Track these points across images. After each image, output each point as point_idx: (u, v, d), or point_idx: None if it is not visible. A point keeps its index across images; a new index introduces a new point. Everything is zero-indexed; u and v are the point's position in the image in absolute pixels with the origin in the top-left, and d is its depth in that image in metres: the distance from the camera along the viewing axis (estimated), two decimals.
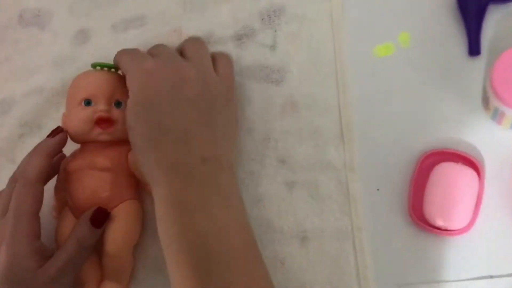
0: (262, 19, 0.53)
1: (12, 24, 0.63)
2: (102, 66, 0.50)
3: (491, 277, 0.40)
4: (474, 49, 0.45)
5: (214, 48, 0.53)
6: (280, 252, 0.46)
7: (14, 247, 0.42)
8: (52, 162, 0.47)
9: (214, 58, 0.48)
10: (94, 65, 0.51)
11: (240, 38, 0.53)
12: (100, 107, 0.47)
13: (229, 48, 0.53)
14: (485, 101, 0.42)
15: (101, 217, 0.45)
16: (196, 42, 0.48)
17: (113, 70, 0.50)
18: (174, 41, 0.55)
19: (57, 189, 0.51)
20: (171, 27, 0.56)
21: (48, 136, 0.48)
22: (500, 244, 0.41)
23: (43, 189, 0.45)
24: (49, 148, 0.47)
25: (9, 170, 0.54)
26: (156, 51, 0.47)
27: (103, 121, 0.47)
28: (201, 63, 0.46)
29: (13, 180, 0.46)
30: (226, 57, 0.49)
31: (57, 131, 0.48)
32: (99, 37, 0.59)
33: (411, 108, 0.46)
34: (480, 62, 0.45)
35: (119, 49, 0.55)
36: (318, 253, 0.45)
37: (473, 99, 0.44)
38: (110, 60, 0.53)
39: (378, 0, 0.50)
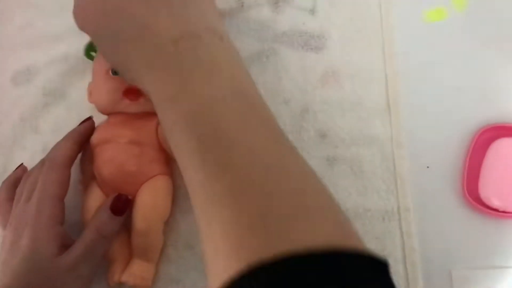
0: None
1: None
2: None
3: None
4: None
5: (249, 12, 0.50)
6: None
7: (37, 231, 0.41)
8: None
9: None
10: (87, 51, 0.51)
11: (276, 1, 0.49)
12: None
13: (265, 12, 0.49)
14: None
15: (121, 205, 0.43)
16: None
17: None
18: None
19: (83, 162, 0.48)
20: None
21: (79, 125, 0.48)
22: None
23: (69, 174, 0.44)
24: (78, 134, 0.46)
25: (33, 140, 0.54)
26: None
27: (132, 92, 0.44)
28: None
29: (42, 163, 0.45)
30: None
31: (85, 119, 0.48)
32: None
33: (465, 78, 0.42)
34: None
35: None
36: (362, 232, 0.41)
37: None
38: None
39: None
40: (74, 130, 0.47)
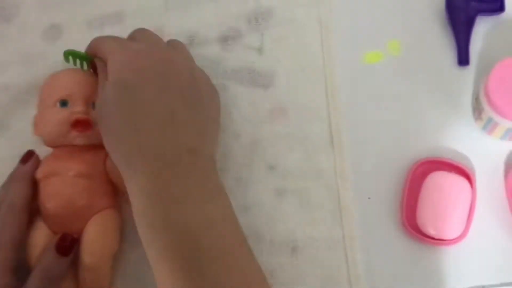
0: (249, 21, 0.51)
1: None
2: (75, 55, 0.48)
3: (483, 287, 0.40)
4: (463, 59, 0.45)
5: (198, 49, 0.51)
6: (270, 263, 0.44)
7: None
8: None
9: None
10: (66, 54, 0.48)
11: (225, 39, 0.51)
12: (77, 108, 0.44)
13: (214, 49, 0.51)
14: (477, 112, 0.42)
15: (67, 244, 0.41)
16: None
17: (84, 67, 0.47)
18: None
19: None
20: (152, 26, 0.52)
21: (21, 162, 0.46)
22: (492, 254, 0.41)
23: (28, 218, 0.43)
24: (29, 173, 0.44)
25: None
26: (140, 34, 0.44)
27: (81, 124, 0.44)
28: (187, 56, 0.45)
29: None
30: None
31: (29, 155, 0.46)
32: (73, 33, 0.55)
33: (401, 116, 0.46)
34: (469, 72, 0.46)
35: None
36: (309, 263, 0.44)
37: (463, 109, 0.45)
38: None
39: (368, 7, 0.49)
40: (23, 171, 0.45)
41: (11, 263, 0.40)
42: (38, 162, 0.46)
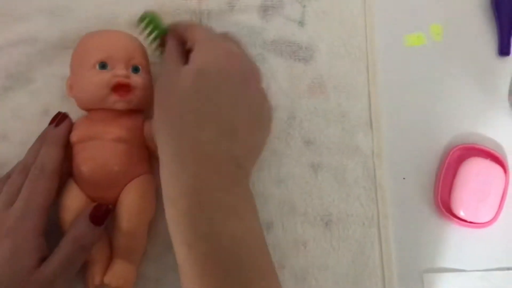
0: None
1: None
2: (154, 21, 0.45)
3: (508, 269, 0.43)
4: (504, 49, 0.47)
5: (238, 16, 0.50)
6: (303, 234, 0.45)
7: (18, 242, 0.39)
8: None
9: None
10: (144, 16, 0.46)
11: (266, 9, 0.51)
12: (118, 72, 0.43)
13: (254, 18, 0.50)
14: None
15: (101, 214, 0.41)
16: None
17: (151, 37, 0.45)
18: (193, 4, 0.51)
19: None
20: None
21: (51, 123, 0.45)
22: None
23: (58, 183, 0.42)
24: (62, 138, 0.44)
25: None
26: (234, 39, 0.44)
27: (123, 88, 0.43)
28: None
29: (23, 169, 0.42)
30: None
31: (60, 118, 0.45)
32: None
33: (440, 101, 0.47)
34: (509, 63, 0.47)
35: (125, 3, 0.52)
36: (342, 238, 0.45)
37: (501, 98, 0.47)
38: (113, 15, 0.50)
39: None
40: (56, 134, 0.44)
41: (42, 226, 0.40)
42: (71, 126, 0.45)
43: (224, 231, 0.35)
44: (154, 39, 0.46)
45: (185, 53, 0.41)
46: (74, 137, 0.44)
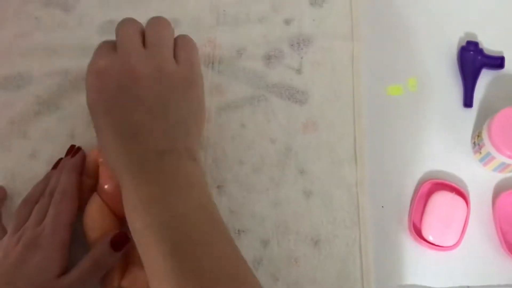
0: (292, 45, 0.60)
1: (33, 0, 0.63)
2: None
3: (468, 287, 0.50)
4: (468, 102, 0.56)
5: (246, 62, 0.59)
6: (295, 251, 0.52)
7: (49, 251, 0.45)
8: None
9: (176, 43, 0.47)
10: None
11: (269, 58, 0.59)
12: None
13: (259, 65, 0.59)
14: (478, 146, 0.52)
15: (122, 241, 0.47)
16: (158, 25, 0.48)
17: None
18: (208, 50, 0.59)
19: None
20: (205, 36, 0.60)
21: (67, 155, 0.53)
22: (479, 260, 0.50)
23: (78, 203, 0.49)
24: (79, 166, 0.51)
25: (20, 144, 0.56)
26: (119, 39, 0.46)
27: None
28: (159, 52, 0.45)
29: (49, 194, 0.49)
30: (189, 42, 0.48)
31: (76, 150, 0.53)
32: None
33: (414, 142, 0.55)
34: (472, 114, 0.56)
35: None
36: (329, 255, 0.52)
37: (465, 143, 0.55)
38: None
39: (394, 47, 0.59)
40: (73, 162, 0.51)
41: (67, 240, 0.46)
42: (84, 156, 0.52)
43: (158, 219, 0.39)
44: None
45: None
46: (101, 157, 0.51)
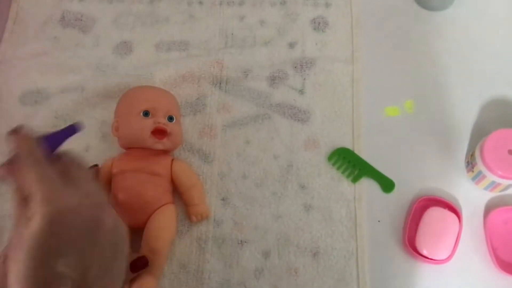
0: (295, 67, 0.63)
1: (53, 21, 0.68)
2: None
3: None
4: None
5: (251, 83, 0.62)
6: (295, 262, 0.54)
7: None
8: None
9: None
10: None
11: (273, 79, 0.63)
12: (159, 119, 0.54)
13: (263, 85, 0.62)
14: (471, 165, 0.55)
15: (141, 265, 0.48)
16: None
17: None
18: (215, 71, 0.63)
19: None
20: (214, 57, 0.64)
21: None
22: (469, 273, 0.53)
23: None
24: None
25: None
26: (76, 175, 0.39)
27: (160, 132, 0.54)
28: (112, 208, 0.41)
29: None
30: None
31: (92, 165, 0.51)
32: (142, 51, 0.65)
33: (409, 160, 0.58)
34: (466, 134, 0.59)
35: (160, 66, 0.63)
36: (327, 266, 0.54)
37: (458, 162, 0.58)
38: (150, 74, 0.61)
39: (392, 71, 0.62)
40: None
41: None
42: (99, 170, 0.51)
43: None
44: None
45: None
46: (114, 169, 0.54)
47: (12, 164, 0.37)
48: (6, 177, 0.37)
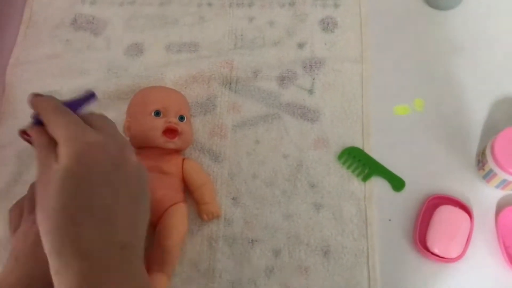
0: (304, 67, 0.64)
1: (65, 24, 0.69)
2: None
3: None
4: None
5: (261, 83, 0.63)
6: (305, 261, 0.54)
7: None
8: None
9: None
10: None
11: (283, 79, 0.63)
12: (170, 119, 0.55)
13: (273, 85, 0.63)
14: (482, 163, 0.55)
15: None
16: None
17: None
18: (225, 72, 0.64)
19: None
20: (224, 58, 0.64)
21: None
22: (481, 271, 0.52)
23: None
24: None
25: None
26: (98, 123, 0.40)
27: (172, 131, 0.54)
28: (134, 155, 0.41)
29: None
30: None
31: None
32: (152, 53, 0.66)
33: (420, 159, 0.58)
34: (476, 132, 0.59)
35: (171, 67, 0.64)
36: (337, 265, 0.54)
37: (470, 160, 0.57)
38: (161, 75, 0.62)
39: (401, 70, 0.63)
40: None
41: None
42: None
43: None
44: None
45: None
46: None
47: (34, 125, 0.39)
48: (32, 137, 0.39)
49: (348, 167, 0.58)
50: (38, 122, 0.38)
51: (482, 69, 0.62)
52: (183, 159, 0.56)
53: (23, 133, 0.41)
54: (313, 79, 0.63)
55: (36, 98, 0.39)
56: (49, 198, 0.36)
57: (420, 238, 0.54)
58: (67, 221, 0.35)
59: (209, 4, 0.69)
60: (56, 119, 0.38)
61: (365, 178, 0.57)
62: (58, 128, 0.38)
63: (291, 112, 0.62)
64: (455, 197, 0.55)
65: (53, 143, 0.38)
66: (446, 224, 0.53)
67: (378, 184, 0.57)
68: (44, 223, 0.36)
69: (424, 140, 0.59)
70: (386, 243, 0.55)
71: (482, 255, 0.53)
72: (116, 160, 0.38)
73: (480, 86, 0.61)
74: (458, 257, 0.52)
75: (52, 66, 0.66)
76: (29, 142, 0.40)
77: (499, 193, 0.56)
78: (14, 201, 0.56)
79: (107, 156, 0.38)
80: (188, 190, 0.56)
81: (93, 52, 0.67)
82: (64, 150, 0.36)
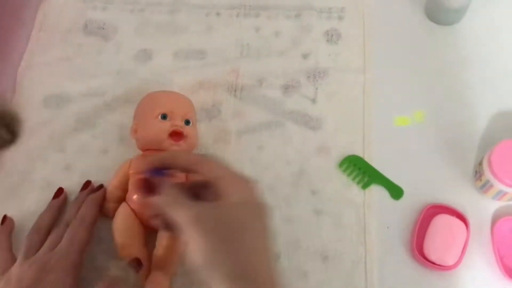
0: (308, 76, 0.65)
1: (76, 29, 0.70)
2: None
3: None
4: None
5: (265, 91, 0.65)
6: (304, 265, 0.56)
7: (61, 273, 0.49)
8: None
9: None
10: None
11: (287, 87, 0.65)
12: (176, 122, 0.56)
13: (277, 93, 0.65)
14: (479, 174, 0.56)
15: (136, 265, 0.51)
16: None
17: None
18: (231, 79, 0.65)
19: (113, 191, 0.57)
20: (230, 66, 0.66)
21: (83, 189, 0.58)
22: (478, 282, 0.53)
23: (92, 232, 0.53)
24: (100, 200, 0.56)
25: (57, 159, 0.61)
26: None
27: (177, 135, 0.56)
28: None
29: (65, 223, 0.53)
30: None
31: (98, 186, 0.58)
32: (161, 59, 0.68)
33: (419, 168, 0.59)
34: (474, 144, 0.60)
35: (178, 73, 0.66)
36: (336, 270, 0.55)
37: (467, 171, 0.59)
38: (168, 80, 0.64)
39: (403, 82, 0.64)
40: (95, 197, 0.56)
41: (80, 263, 0.50)
42: (105, 192, 0.57)
43: None
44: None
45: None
46: (131, 169, 0.56)
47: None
48: None
49: (349, 175, 0.59)
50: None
51: (481, 83, 0.64)
52: None
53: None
54: (317, 88, 0.65)
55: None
56: (229, 235, 0.41)
57: (417, 246, 0.55)
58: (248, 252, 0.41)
59: (217, 14, 0.71)
60: (207, 162, 0.45)
61: (364, 186, 0.58)
62: (215, 168, 0.44)
63: (294, 120, 0.63)
64: (452, 207, 0.56)
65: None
66: (443, 233, 0.54)
67: (377, 192, 0.59)
68: (213, 256, 0.40)
69: (424, 151, 0.60)
70: (384, 250, 0.56)
71: (478, 264, 0.54)
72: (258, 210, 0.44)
73: (479, 99, 0.63)
74: (454, 265, 0.53)
75: (62, 69, 0.67)
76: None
77: (496, 204, 0.57)
78: (22, 201, 0.58)
79: (259, 199, 0.44)
80: None
81: (103, 57, 0.68)
82: (229, 186, 0.43)
